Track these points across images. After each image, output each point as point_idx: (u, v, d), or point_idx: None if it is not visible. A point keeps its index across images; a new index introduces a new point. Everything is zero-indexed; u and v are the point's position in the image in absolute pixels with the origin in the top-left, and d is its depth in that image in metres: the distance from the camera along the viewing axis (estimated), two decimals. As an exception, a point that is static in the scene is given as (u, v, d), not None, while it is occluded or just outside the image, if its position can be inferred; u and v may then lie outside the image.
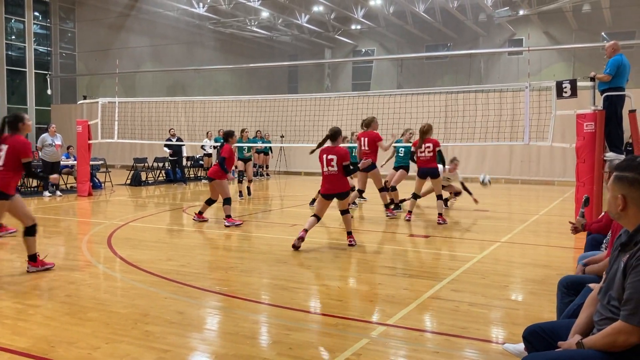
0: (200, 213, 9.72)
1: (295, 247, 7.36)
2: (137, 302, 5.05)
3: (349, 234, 7.76)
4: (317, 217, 7.67)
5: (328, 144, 7.66)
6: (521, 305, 5.18)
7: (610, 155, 9.04)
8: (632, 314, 2.25)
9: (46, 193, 13.70)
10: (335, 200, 7.69)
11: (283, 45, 36.53)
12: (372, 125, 10.45)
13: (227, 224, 9.22)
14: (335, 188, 7.57)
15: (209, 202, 9.65)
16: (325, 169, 7.57)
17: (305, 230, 7.48)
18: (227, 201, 9.38)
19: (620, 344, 2.28)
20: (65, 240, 8.42)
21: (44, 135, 13.54)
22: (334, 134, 7.60)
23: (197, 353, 3.98)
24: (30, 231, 6.04)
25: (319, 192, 8.25)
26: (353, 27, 34.01)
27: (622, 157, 9.16)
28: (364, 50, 36.82)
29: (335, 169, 7.49)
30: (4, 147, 5.94)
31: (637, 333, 2.25)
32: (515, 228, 9.48)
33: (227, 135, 9.66)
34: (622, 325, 2.27)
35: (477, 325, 4.48)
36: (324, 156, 7.57)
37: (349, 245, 7.64)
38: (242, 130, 14.34)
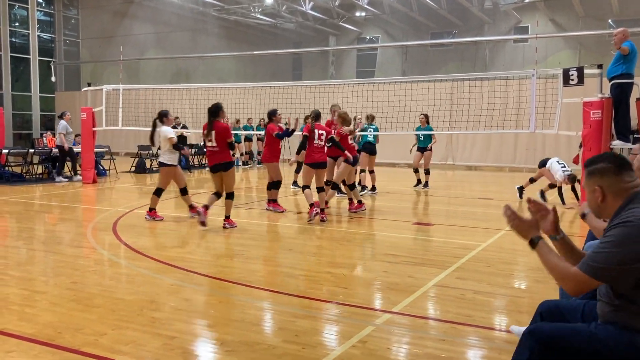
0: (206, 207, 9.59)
1: (203, 224, 7.84)
2: (142, 289, 5.07)
3: (227, 217, 8.07)
4: (218, 195, 8.05)
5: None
6: (526, 293, 5.19)
7: (616, 143, 8.98)
8: (583, 262, 2.35)
9: (60, 178, 13.83)
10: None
11: (287, 33, 36.33)
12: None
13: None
14: (217, 160, 7.91)
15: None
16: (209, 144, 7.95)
17: (206, 207, 7.91)
18: (276, 185, 9.62)
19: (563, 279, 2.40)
20: (70, 227, 8.44)
21: (65, 123, 13.72)
22: (214, 110, 7.97)
23: (203, 339, 4.00)
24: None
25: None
26: (357, 14, 33.78)
27: (630, 145, 9.11)
28: (368, 37, 36.62)
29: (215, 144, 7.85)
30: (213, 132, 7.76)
31: (574, 280, 2.33)
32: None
33: (271, 115, 9.62)
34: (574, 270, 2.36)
35: (482, 313, 4.48)
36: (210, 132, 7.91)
37: (223, 227, 7.99)
38: (248, 119, 14.31)
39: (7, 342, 3.80)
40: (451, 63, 32.71)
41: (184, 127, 17.66)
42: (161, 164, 8.66)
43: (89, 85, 15.66)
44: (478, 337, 3.98)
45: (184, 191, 8.80)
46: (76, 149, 15.12)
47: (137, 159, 17.21)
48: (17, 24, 27.72)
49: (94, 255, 6.49)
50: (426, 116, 12.79)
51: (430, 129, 12.84)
